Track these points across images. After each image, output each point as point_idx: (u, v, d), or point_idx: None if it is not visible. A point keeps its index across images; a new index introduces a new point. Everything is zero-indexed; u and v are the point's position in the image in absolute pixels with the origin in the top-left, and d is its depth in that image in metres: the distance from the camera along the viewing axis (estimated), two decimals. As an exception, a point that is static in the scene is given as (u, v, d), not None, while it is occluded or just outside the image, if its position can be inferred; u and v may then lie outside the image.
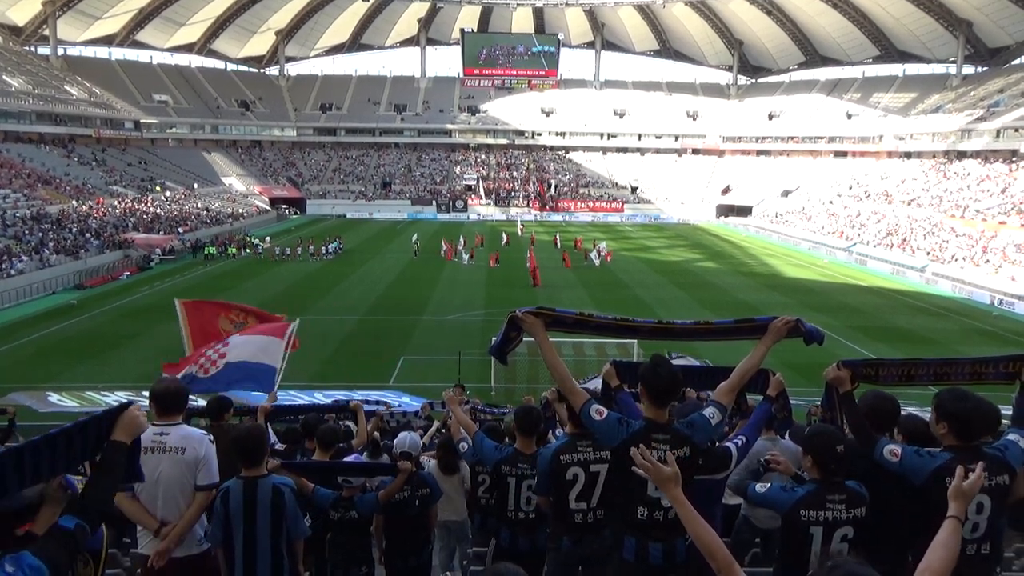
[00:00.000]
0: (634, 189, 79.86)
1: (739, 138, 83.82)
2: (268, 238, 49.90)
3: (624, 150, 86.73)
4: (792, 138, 79.84)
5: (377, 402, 9.92)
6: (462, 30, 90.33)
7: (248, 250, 46.94)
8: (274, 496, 3.88)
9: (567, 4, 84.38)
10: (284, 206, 72.93)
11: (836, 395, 3.71)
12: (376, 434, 8.57)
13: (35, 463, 2.32)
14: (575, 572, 3.93)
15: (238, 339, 7.72)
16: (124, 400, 2.71)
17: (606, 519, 3.92)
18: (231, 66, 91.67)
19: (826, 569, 1.99)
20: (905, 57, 79.42)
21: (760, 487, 3.45)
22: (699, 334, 4.20)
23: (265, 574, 3.88)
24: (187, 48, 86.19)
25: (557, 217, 73.21)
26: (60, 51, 74.50)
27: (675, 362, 4.19)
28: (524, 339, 3.81)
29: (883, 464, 3.23)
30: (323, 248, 45.08)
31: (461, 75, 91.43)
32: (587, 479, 3.84)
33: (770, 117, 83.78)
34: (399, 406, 11.80)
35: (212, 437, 4.06)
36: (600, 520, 3.89)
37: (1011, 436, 3.30)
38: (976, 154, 58.83)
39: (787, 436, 5.41)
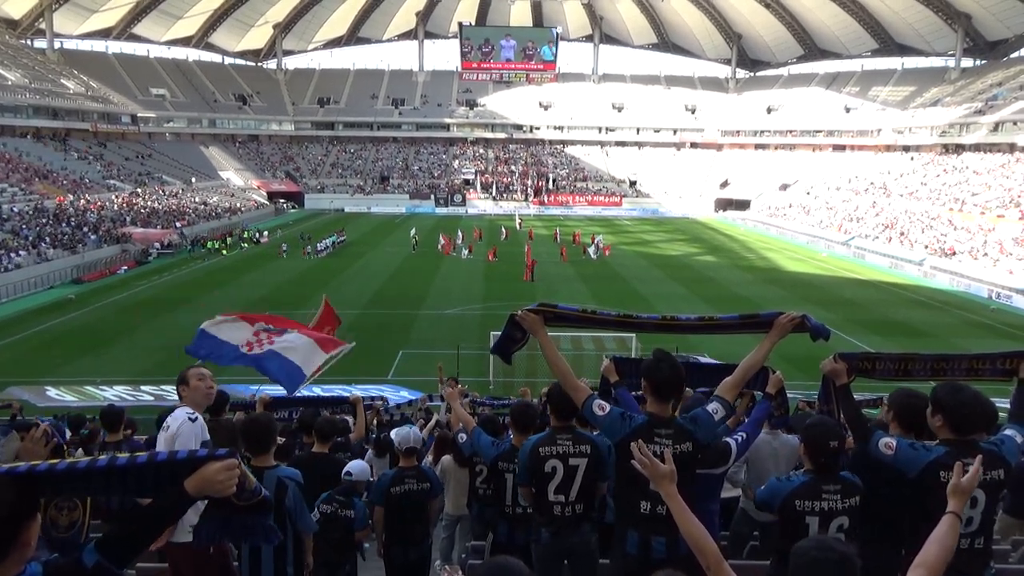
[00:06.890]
0: (632, 183, 79.76)
1: (737, 132, 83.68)
2: (266, 232, 49.81)
3: (623, 144, 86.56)
4: (791, 132, 79.74)
5: (374, 398, 9.94)
6: (460, 23, 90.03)
7: (245, 245, 46.79)
8: (277, 490, 3.73)
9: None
10: (282, 200, 72.86)
11: (833, 388, 3.69)
12: (374, 422, 8.61)
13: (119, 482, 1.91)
14: (560, 565, 3.94)
15: (291, 335, 7.89)
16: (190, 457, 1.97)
17: (585, 513, 3.92)
18: (228, 60, 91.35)
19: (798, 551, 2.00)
20: (904, 50, 79.34)
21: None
22: (703, 329, 4.20)
23: (268, 570, 3.84)
24: (184, 42, 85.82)
25: (555, 211, 73.10)
26: (57, 44, 74.17)
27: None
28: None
29: (878, 457, 3.24)
30: (308, 248, 42.85)
31: (459, 69, 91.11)
32: (565, 472, 3.82)
33: (768, 111, 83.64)
34: (395, 403, 11.84)
35: (196, 416, 3.97)
36: (579, 514, 3.89)
37: (1008, 431, 3.30)
38: (975, 147, 58.82)
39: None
